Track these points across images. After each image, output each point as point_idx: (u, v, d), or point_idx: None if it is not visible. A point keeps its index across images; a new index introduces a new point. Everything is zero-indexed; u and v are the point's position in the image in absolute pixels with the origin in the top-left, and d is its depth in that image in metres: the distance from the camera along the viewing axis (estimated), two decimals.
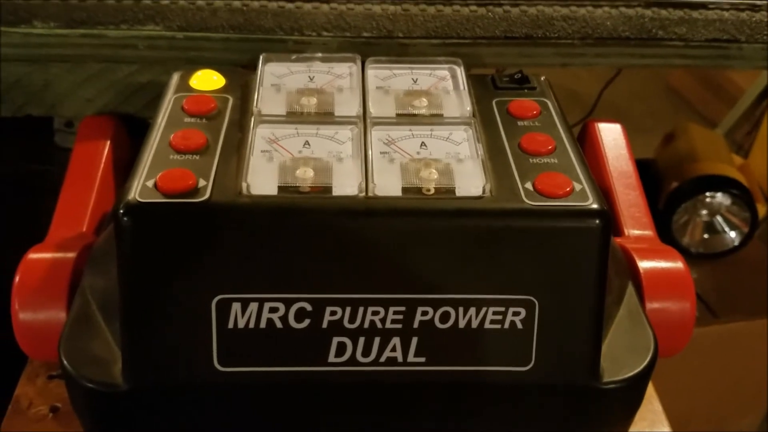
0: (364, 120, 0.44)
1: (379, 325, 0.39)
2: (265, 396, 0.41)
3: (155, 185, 0.39)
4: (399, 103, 0.46)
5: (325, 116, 0.45)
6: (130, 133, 0.57)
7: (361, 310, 0.39)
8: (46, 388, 0.51)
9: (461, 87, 0.48)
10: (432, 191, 0.40)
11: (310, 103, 0.45)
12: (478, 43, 0.55)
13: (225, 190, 0.39)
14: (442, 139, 0.43)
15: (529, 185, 0.40)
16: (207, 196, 0.38)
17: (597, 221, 0.39)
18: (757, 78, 1.46)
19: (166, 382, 0.40)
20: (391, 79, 0.48)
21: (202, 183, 0.39)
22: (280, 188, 0.39)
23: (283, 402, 0.41)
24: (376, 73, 0.49)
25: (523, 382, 0.41)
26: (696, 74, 1.87)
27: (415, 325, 0.39)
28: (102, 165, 0.53)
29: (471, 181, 0.40)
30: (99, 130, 0.55)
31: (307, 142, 0.42)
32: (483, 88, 0.49)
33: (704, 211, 1.13)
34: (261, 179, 0.40)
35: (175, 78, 0.48)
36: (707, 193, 1.12)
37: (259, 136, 0.43)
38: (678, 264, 0.46)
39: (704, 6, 0.56)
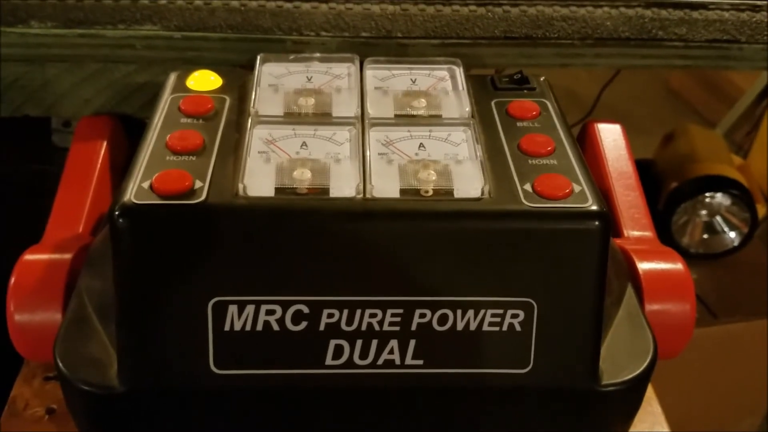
0: (362, 121, 0.44)
1: (377, 328, 0.39)
2: (261, 399, 0.40)
3: (151, 186, 0.39)
4: (397, 103, 0.46)
5: (322, 117, 0.45)
6: (128, 134, 0.57)
7: (358, 312, 0.39)
8: (43, 389, 0.51)
9: (460, 87, 0.48)
10: (430, 193, 0.40)
11: (308, 103, 0.45)
12: (477, 44, 0.55)
13: (222, 192, 0.39)
14: (441, 140, 0.43)
15: (528, 187, 0.40)
16: (203, 197, 0.38)
17: (596, 223, 0.39)
18: (756, 78, 1.46)
19: (162, 385, 0.40)
20: (390, 80, 0.48)
21: (198, 184, 0.39)
22: (277, 190, 0.39)
23: (279, 405, 0.41)
24: (374, 73, 0.49)
25: (521, 385, 0.40)
26: (695, 75, 1.87)
27: (413, 327, 0.39)
28: (99, 165, 0.52)
29: (470, 183, 0.40)
30: (96, 130, 0.55)
31: (304, 143, 0.42)
32: (482, 88, 0.49)
33: (704, 212, 1.13)
34: (258, 180, 0.39)
35: (172, 78, 0.48)
36: (707, 194, 1.12)
37: (256, 136, 0.43)
38: (678, 265, 0.46)
39: (704, 6, 0.56)
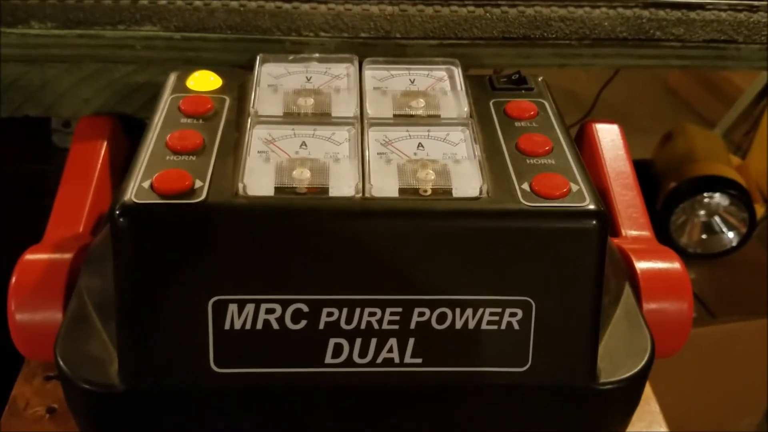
0: (361, 121, 0.44)
1: (376, 326, 0.39)
2: (261, 397, 0.41)
3: (151, 186, 0.39)
4: (396, 103, 0.46)
5: (322, 117, 0.45)
6: (128, 134, 0.57)
7: (357, 311, 0.39)
8: (44, 388, 0.51)
9: (459, 88, 0.48)
10: (429, 192, 0.40)
11: (307, 103, 0.45)
12: (475, 44, 0.55)
13: (221, 191, 0.39)
14: (439, 140, 0.43)
15: (526, 186, 0.40)
16: (203, 197, 0.38)
17: (594, 222, 0.39)
18: (755, 78, 1.46)
19: (162, 383, 0.40)
20: (389, 80, 0.48)
21: (198, 184, 0.39)
22: (276, 189, 0.39)
23: (279, 403, 0.41)
24: (373, 73, 0.49)
25: (519, 383, 0.41)
26: (694, 75, 1.87)
27: (412, 326, 0.39)
28: (99, 165, 0.53)
29: (468, 182, 0.40)
30: (96, 130, 0.55)
31: (303, 143, 0.42)
32: (480, 88, 0.49)
33: (702, 212, 1.13)
34: (258, 180, 0.39)
35: (172, 78, 0.48)
36: (705, 194, 1.12)
37: (256, 136, 0.43)
38: (675, 264, 0.46)
39: (702, 7, 0.56)
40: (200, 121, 0.44)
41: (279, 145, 0.42)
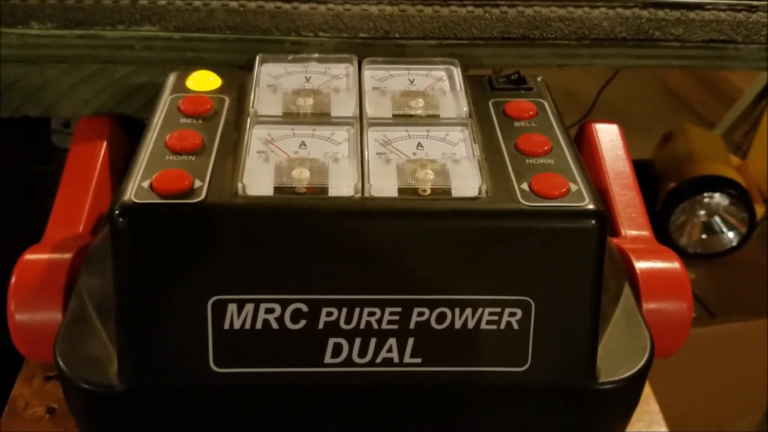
0: (360, 121, 0.44)
1: (376, 326, 0.39)
2: (261, 397, 0.41)
3: (151, 186, 0.39)
4: (395, 103, 0.46)
5: (321, 117, 0.45)
6: (127, 134, 0.57)
7: (357, 311, 0.39)
8: (43, 389, 0.51)
9: (458, 88, 0.48)
10: (428, 192, 0.40)
11: (307, 103, 0.45)
12: (475, 44, 0.55)
13: (221, 191, 0.39)
14: (439, 140, 0.43)
15: (525, 186, 0.40)
16: (203, 197, 0.38)
17: (593, 222, 0.39)
18: (755, 79, 1.46)
19: (162, 383, 0.40)
20: (388, 80, 0.48)
21: (197, 184, 0.39)
22: (276, 189, 0.39)
23: (279, 403, 0.41)
24: (372, 73, 0.49)
25: (519, 383, 0.41)
26: (694, 75, 1.87)
27: (412, 325, 0.39)
28: (99, 165, 0.53)
29: (467, 182, 0.40)
30: (96, 130, 0.55)
31: (303, 143, 0.42)
32: (480, 88, 0.49)
33: (702, 212, 1.13)
34: (257, 180, 0.39)
35: (172, 78, 0.48)
36: (705, 194, 1.12)
37: (255, 136, 0.43)
38: (675, 264, 0.46)
39: (701, 7, 0.56)
40: (200, 121, 0.44)
41: (278, 145, 0.42)
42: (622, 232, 0.51)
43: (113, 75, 0.56)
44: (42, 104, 0.57)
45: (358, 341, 0.39)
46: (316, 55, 0.50)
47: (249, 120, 0.44)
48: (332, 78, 0.48)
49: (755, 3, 0.57)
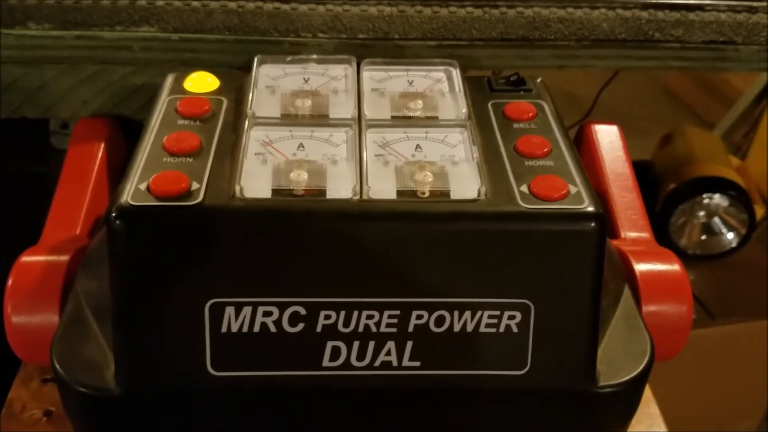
0: (359, 122, 0.44)
1: (374, 329, 0.39)
2: (258, 400, 0.40)
3: (148, 188, 0.39)
4: (394, 105, 0.46)
5: (319, 118, 0.45)
6: (125, 135, 0.57)
7: (355, 314, 0.39)
8: (40, 391, 0.51)
9: (457, 89, 0.48)
10: (427, 194, 0.40)
11: (305, 105, 0.45)
12: (474, 45, 0.55)
13: (218, 193, 0.39)
14: (438, 142, 0.43)
15: (524, 188, 0.40)
16: (200, 199, 0.38)
17: (593, 224, 0.39)
18: (754, 80, 1.46)
19: (159, 387, 0.40)
20: (387, 81, 0.48)
21: (195, 186, 0.39)
22: (273, 191, 0.39)
23: (276, 406, 0.41)
24: (371, 75, 0.49)
25: (518, 386, 0.40)
26: (693, 76, 1.87)
27: (410, 329, 0.39)
28: (96, 167, 0.52)
29: (466, 184, 0.40)
30: (94, 131, 0.55)
31: (301, 145, 0.42)
32: (479, 90, 0.49)
33: (702, 213, 1.13)
34: (255, 182, 0.39)
35: (169, 80, 0.48)
36: (705, 195, 1.12)
37: (253, 138, 0.43)
38: (675, 267, 0.46)
39: (701, 8, 0.56)
40: (197, 122, 0.44)
41: (276, 147, 0.42)
42: (622, 233, 0.50)
43: (111, 76, 0.56)
44: (40, 105, 0.57)
45: (356, 344, 0.39)
46: (315, 56, 0.50)
47: (247, 122, 0.44)
48: (331, 79, 0.48)
49: (755, 4, 0.56)
